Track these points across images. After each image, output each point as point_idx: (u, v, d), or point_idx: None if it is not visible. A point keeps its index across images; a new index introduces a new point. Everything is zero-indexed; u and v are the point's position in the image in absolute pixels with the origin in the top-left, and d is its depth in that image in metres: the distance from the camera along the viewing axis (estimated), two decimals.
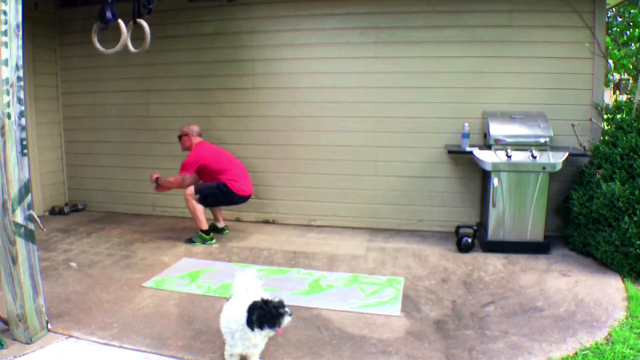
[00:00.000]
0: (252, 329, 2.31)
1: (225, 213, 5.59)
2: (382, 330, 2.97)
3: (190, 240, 4.71)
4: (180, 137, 4.85)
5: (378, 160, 5.14)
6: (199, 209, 4.62)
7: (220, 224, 5.06)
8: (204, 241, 4.68)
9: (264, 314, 2.29)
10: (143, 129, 5.75)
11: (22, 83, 2.67)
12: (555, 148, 4.34)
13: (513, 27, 4.73)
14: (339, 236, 5.00)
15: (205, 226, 4.69)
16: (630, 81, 9.30)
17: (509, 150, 4.25)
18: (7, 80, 2.58)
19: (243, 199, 4.77)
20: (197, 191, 4.60)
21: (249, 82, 5.34)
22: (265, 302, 2.31)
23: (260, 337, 2.37)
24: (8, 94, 2.59)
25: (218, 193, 4.62)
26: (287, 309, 2.32)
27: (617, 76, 9.43)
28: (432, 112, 4.96)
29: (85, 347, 2.76)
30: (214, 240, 4.72)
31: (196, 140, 4.80)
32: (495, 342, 2.79)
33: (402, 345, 2.78)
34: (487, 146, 4.45)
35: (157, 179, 4.73)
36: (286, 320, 2.30)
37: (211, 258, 4.32)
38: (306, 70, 5.19)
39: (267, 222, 5.51)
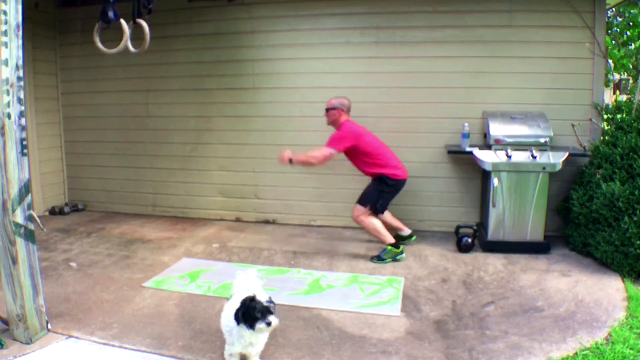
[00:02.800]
0: (238, 324, 2.32)
1: (225, 213, 5.60)
2: (382, 330, 2.97)
3: (379, 258, 4.20)
4: (327, 110, 4.30)
5: None
6: (378, 223, 4.22)
7: (406, 231, 4.60)
8: (394, 255, 4.20)
9: (245, 312, 2.29)
10: (143, 129, 5.74)
11: (22, 83, 2.67)
12: (555, 148, 4.34)
13: (513, 27, 4.73)
14: (339, 236, 5.00)
15: (390, 239, 4.22)
16: (630, 81, 9.30)
17: (509, 150, 4.25)
18: (7, 80, 2.58)
19: (404, 182, 4.31)
20: (363, 204, 4.23)
21: (249, 82, 5.34)
22: (251, 300, 2.30)
23: (253, 336, 2.36)
24: (8, 94, 2.59)
25: (384, 189, 4.21)
26: (267, 315, 2.25)
27: (617, 76, 9.43)
28: (432, 112, 4.96)
29: (85, 347, 2.76)
30: (404, 255, 4.23)
31: (345, 117, 4.27)
32: (495, 342, 2.79)
33: (402, 345, 2.78)
34: (487, 146, 4.45)
35: (290, 159, 4.10)
36: (258, 326, 2.26)
37: (211, 258, 4.32)
38: (306, 70, 5.19)
39: (267, 222, 5.51)
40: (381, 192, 4.25)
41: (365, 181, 5.18)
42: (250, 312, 2.27)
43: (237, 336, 2.38)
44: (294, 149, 5.27)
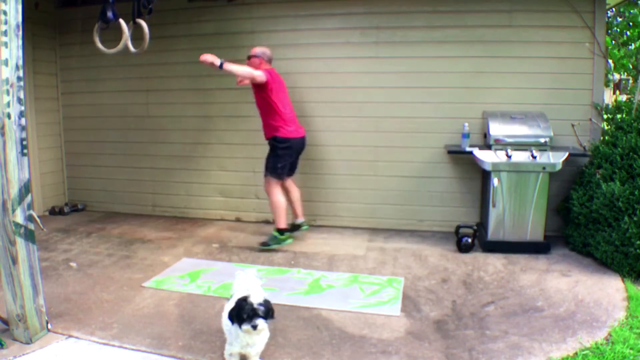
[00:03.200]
0: (232, 323, 2.32)
1: (225, 213, 5.60)
2: (382, 330, 2.97)
3: (265, 244, 4.42)
4: (250, 57, 4.50)
5: (378, 160, 5.14)
6: (282, 205, 4.40)
7: (300, 220, 4.77)
8: (279, 242, 4.43)
9: (237, 312, 2.29)
10: (143, 129, 5.75)
11: (22, 83, 2.67)
12: (555, 148, 4.34)
13: (513, 27, 4.73)
14: (339, 236, 5.00)
15: (283, 224, 4.42)
16: (630, 81, 9.29)
17: (509, 150, 4.26)
18: (7, 80, 2.58)
19: (300, 141, 4.51)
20: (267, 172, 4.39)
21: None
22: (243, 300, 2.30)
23: (248, 336, 2.35)
24: (8, 94, 2.59)
25: (278, 152, 4.37)
26: (255, 318, 2.25)
27: (617, 76, 9.43)
28: (432, 112, 4.96)
29: (85, 347, 2.76)
30: (290, 240, 4.47)
31: (265, 66, 4.46)
32: (495, 342, 2.79)
33: (402, 345, 2.78)
34: (487, 146, 4.45)
35: (221, 64, 4.17)
36: (244, 327, 2.26)
37: (211, 258, 4.32)
38: (306, 70, 5.19)
39: (267, 222, 5.51)
40: (277, 155, 4.40)
41: (363, 181, 5.20)
42: (239, 313, 2.28)
43: (234, 336, 2.38)
44: None
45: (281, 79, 4.53)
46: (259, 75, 4.27)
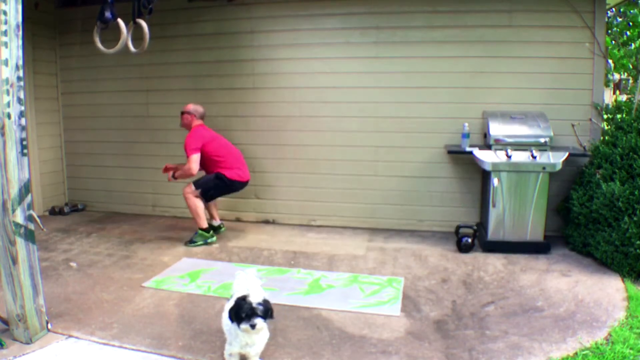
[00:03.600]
0: (232, 322, 2.32)
1: (225, 213, 5.60)
2: (382, 330, 2.97)
3: (191, 242, 4.64)
4: (182, 113, 4.76)
5: (378, 160, 5.14)
6: (200, 206, 4.60)
7: (217, 222, 5.01)
8: (205, 239, 4.65)
9: (236, 311, 2.29)
10: (143, 129, 5.75)
11: (22, 83, 2.67)
12: (555, 148, 4.34)
13: (513, 27, 4.73)
14: (339, 236, 5.00)
15: (205, 224, 4.66)
16: (630, 81, 9.29)
17: (509, 150, 4.26)
18: (7, 80, 2.58)
19: (243, 184, 4.77)
20: (197, 186, 4.58)
21: (249, 82, 5.34)
22: (242, 300, 2.30)
23: (247, 336, 2.35)
24: (8, 94, 2.59)
25: (219, 183, 4.60)
26: (253, 318, 2.25)
27: (617, 76, 9.43)
28: (432, 112, 4.96)
29: (85, 347, 2.76)
30: (214, 238, 4.71)
31: (197, 122, 4.73)
32: (495, 342, 2.79)
33: (402, 345, 2.78)
34: (487, 146, 4.45)
35: (173, 172, 4.64)
36: (242, 327, 2.26)
37: (211, 258, 4.32)
38: (306, 70, 5.19)
39: (267, 222, 5.52)
40: (216, 185, 4.63)
41: (363, 181, 5.20)
42: (238, 312, 2.28)
43: (234, 336, 2.38)
44: (294, 149, 5.32)
45: (212, 132, 4.76)
46: (197, 156, 4.51)
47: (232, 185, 4.68)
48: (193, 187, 4.58)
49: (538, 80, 4.72)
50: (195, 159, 4.49)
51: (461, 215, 4.96)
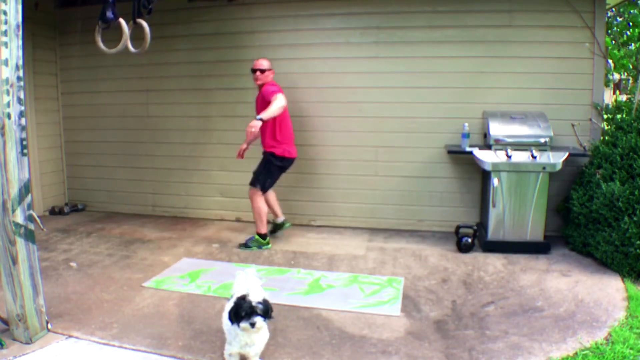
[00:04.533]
0: (232, 323, 2.32)
1: (225, 213, 5.60)
2: (382, 330, 2.97)
3: (245, 245, 4.51)
4: (263, 70, 4.44)
5: (378, 160, 5.14)
6: (264, 210, 4.47)
7: (280, 219, 4.85)
8: (259, 245, 4.50)
9: (235, 310, 2.29)
10: (143, 129, 5.75)
11: (22, 83, 2.67)
12: (555, 148, 4.34)
13: (513, 27, 4.73)
14: (339, 236, 5.00)
15: (264, 230, 4.51)
16: (630, 81, 9.29)
17: (509, 150, 4.26)
18: (7, 80, 2.58)
19: (291, 161, 4.61)
20: (257, 182, 4.44)
21: (249, 82, 5.32)
22: (241, 299, 2.30)
23: (247, 336, 2.35)
24: (8, 94, 2.59)
25: (270, 167, 4.46)
26: (253, 316, 2.25)
27: (617, 76, 9.42)
28: (432, 112, 4.96)
29: (85, 347, 2.76)
30: (270, 245, 4.53)
31: (271, 82, 4.51)
32: (495, 342, 2.79)
33: (402, 345, 2.78)
34: (487, 146, 4.45)
35: (246, 144, 4.52)
36: (242, 325, 2.27)
37: (211, 258, 4.32)
38: (306, 70, 5.19)
39: (267, 222, 5.50)
40: (268, 171, 4.48)
41: (363, 181, 5.20)
42: (237, 311, 2.28)
43: (233, 335, 2.38)
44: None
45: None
46: (283, 102, 4.27)
47: (282, 163, 4.50)
48: (258, 187, 4.43)
49: (538, 80, 4.72)
50: (283, 101, 4.24)
51: (461, 215, 4.96)
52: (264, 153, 4.56)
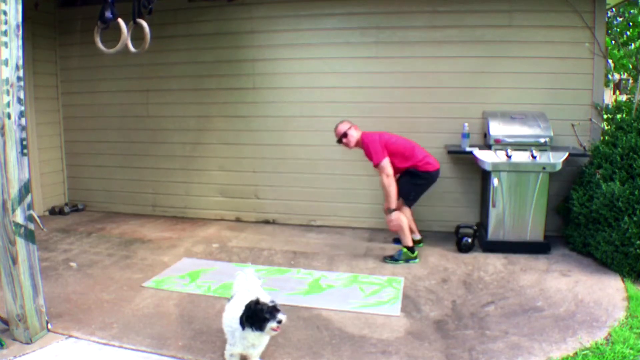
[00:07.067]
0: (243, 328, 2.32)
1: (225, 213, 5.60)
2: (382, 330, 2.97)
3: (392, 258, 4.24)
4: (344, 136, 4.29)
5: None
6: (405, 223, 4.23)
7: (417, 236, 4.58)
8: (407, 259, 4.21)
9: (251, 315, 2.29)
10: (143, 129, 5.75)
11: (22, 83, 2.67)
12: (555, 148, 4.34)
13: (513, 27, 4.73)
14: (339, 236, 5.00)
15: (410, 242, 4.26)
16: (630, 81, 9.28)
17: (509, 150, 4.25)
18: (7, 80, 2.58)
19: (437, 173, 4.34)
20: (399, 196, 4.23)
21: (249, 82, 5.34)
22: (256, 303, 2.31)
23: (256, 338, 2.36)
24: (8, 94, 2.59)
25: (414, 181, 4.26)
26: (276, 314, 2.28)
27: (617, 76, 9.41)
28: (432, 112, 4.96)
29: (85, 347, 2.76)
30: (417, 260, 4.24)
31: (358, 131, 4.32)
32: (495, 342, 2.79)
33: (402, 345, 2.78)
34: (487, 146, 4.45)
35: (387, 208, 4.22)
36: (269, 326, 2.27)
37: (211, 258, 4.32)
38: (306, 70, 5.19)
39: (267, 222, 5.51)
40: (413, 185, 4.29)
41: (363, 181, 5.20)
42: (259, 315, 2.28)
43: (239, 338, 2.38)
44: (293, 149, 5.31)
45: (380, 132, 4.32)
46: (386, 162, 4.14)
47: (427, 177, 4.28)
48: (391, 209, 4.20)
49: (538, 80, 4.72)
50: (386, 164, 4.11)
51: (461, 215, 4.96)
52: (402, 173, 4.33)
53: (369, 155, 4.23)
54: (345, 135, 4.29)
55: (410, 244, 4.25)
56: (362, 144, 4.28)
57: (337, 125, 4.36)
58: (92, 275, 3.86)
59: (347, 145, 4.34)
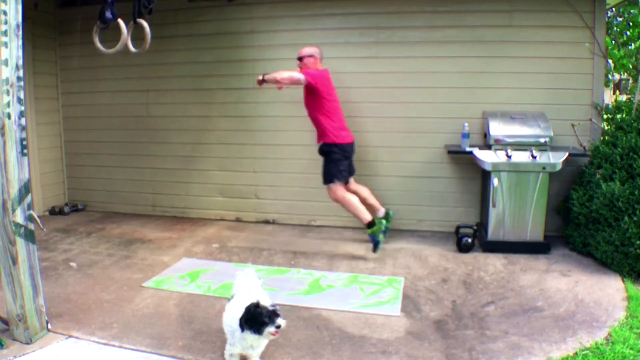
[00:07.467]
0: (242, 330, 2.32)
1: (225, 213, 5.60)
2: (382, 330, 2.97)
3: (375, 246, 4.27)
4: (302, 58, 4.36)
5: (378, 160, 5.13)
6: (354, 200, 4.26)
7: (381, 211, 4.55)
8: (374, 234, 4.24)
9: (250, 318, 2.29)
10: (143, 129, 5.74)
11: (22, 83, 2.67)
12: (555, 148, 4.34)
13: (513, 27, 4.73)
14: (339, 236, 5.00)
15: (368, 217, 4.26)
16: (630, 81, 9.28)
17: (509, 150, 4.25)
18: (7, 80, 2.58)
19: (352, 146, 4.41)
20: (329, 179, 4.30)
21: (249, 82, 5.33)
22: (256, 307, 2.31)
23: (255, 340, 2.36)
24: (8, 94, 2.59)
25: (335, 157, 4.30)
26: (275, 319, 2.27)
27: (617, 76, 9.41)
28: (432, 112, 4.96)
29: (85, 347, 2.76)
30: (384, 222, 4.31)
31: (320, 65, 4.38)
32: (495, 342, 2.79)
33: (402, 345, 2.78)
34: (487, 146, 4.45)
35: (263, 79, 4.20)
36: (268, 330, 2.27)
37: (211, 258, 4.32)
38: None
39: (267, 222, 5.51)
40: (335, 160, 4.33)
41: (363, 181, 5.19)
42: (257, 318, 2.27)
43: (239, 338, 2.38)
44: (293, 149, 5.31)
45: (331, 83, 4.36)
46: (300, 79, 4.16)
47: (344, 149, 4.31)
48: (330, 185, 4.27)
49: (538, 80, 4.71)
50: (297, 78, 4.12)
51: (461, 215, 4.96)
52: (320, 147, 4.41)
53: (307, 70, 4.23)
54: (300, 59, 4.36)
55: (368, 218, 4.27)
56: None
57: (305, 48, 4.40)
58: (92, 275, 3.86)
59: (301, 66, 4.33)
